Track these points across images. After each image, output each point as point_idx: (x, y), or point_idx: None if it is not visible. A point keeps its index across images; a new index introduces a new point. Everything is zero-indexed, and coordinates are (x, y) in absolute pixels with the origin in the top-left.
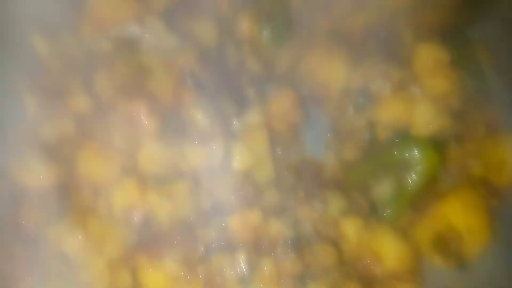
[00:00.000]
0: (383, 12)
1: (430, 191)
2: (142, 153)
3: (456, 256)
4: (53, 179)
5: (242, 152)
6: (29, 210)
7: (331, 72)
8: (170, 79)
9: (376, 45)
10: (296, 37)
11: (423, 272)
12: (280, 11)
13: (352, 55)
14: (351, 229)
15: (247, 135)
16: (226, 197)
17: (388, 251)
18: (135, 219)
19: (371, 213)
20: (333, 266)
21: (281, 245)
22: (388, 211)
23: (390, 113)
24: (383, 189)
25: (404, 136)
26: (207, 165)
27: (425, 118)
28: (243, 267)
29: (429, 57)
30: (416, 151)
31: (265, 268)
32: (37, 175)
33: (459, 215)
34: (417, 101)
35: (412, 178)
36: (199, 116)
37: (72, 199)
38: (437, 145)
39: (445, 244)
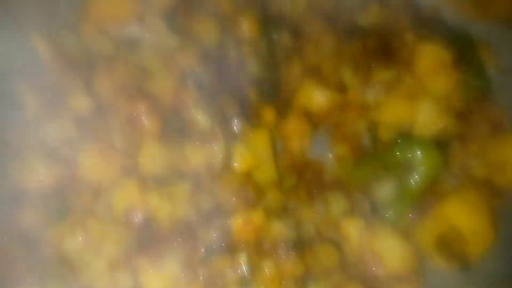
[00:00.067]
0: (385, 11)
1: (432, 192)
2: (143, 153)
3: (458, 257)
4: (53, 179)
5: (243, 153)
6: (29, 211)
7: None
8: (171, 79)
9: (378, 44)
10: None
11: (425, 273)
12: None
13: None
14: (353, 230)
15: (248, 135)
16: (227, 198)
17: (390, 252)
18: (136, 220)
19: (373, 214)
20: (334, 268)
21: (283, 246)
22: (390, 212)
23: (392, 113)
24: (385, 190)
25: (406, 137)
26: (207, 165)
27: (427, 118)
28: (244, 268)
29: (431, 56)
30: (418, 152)
31: (266, 270)
32: (37, 175)
33: (461, 216)
34: (420, 101)
35: (415, 179)
36: (200, 117)
37: (72, 200)
38: (439, 145)
39: (448, 245)
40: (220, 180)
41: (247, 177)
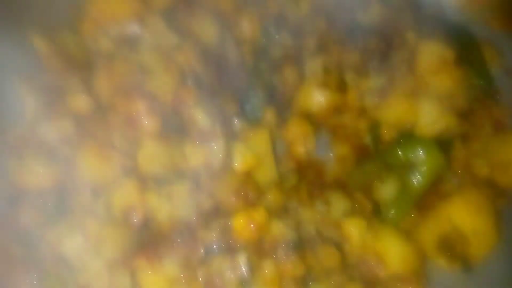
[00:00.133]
0: (387, 10)
1: (434, 191)
2: (142, 153)
3: (461, 258)
4: (52, 179)
5: (243, 152)
6: (28, 211)
7: None
8: (170, 78)
9: (379, 43)
10: None
11: (428, 274)
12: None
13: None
14: (354, 231)
15: (248, 135)
16: (227, 198)
17: (392, 253)
18: (135, 220)
19: (374, 214)
20: (336, 268)
21: (283, 247)
22: (392, 212)
23: (394, 113)
24: (387, 190)
25: (408, 136)
26: (207, 165)
27: (429, 117)
28: (244, 269)
29: (433, 55)
30: (420, 151)
31: (266, 270)
32: (36, 175)
33: (464, 216)
34: (422, 101)
35: (417, 179)
36: (200, 116)
37: (71, 199)
38: (442, 145)
39: (450, 245)
40: (220, 179)
41: (247, 177)
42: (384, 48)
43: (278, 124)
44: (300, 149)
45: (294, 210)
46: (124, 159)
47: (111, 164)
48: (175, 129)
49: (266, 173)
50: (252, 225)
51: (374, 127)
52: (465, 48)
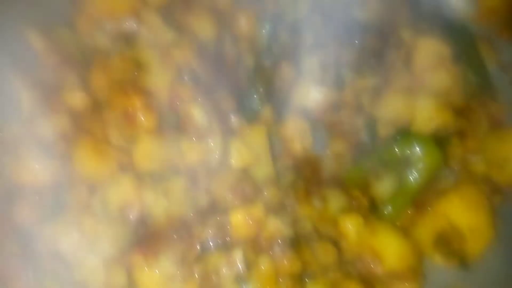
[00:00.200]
0: (384, 6)
1: (431, 188)
2: (138, 149)
3: (457, 255)
4: (48, 176)
5: (240, 149)
6: (24, 207)
7: None
8: (167, 75)
9: (375, 39)
10: None
11: (424, 271)
12: None
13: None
14: (351, 227)
15: (245, 131)
16: (224, 195)
17: (389, 249)
18: (131, 216)
19: (371, 211)
20: (332, 265)
21: (279, 243)
22: (389, 209)
23: (391, 109)
24: (383, 187)
25: (405, 133)
26: (204, 161)
27: (426, 114)
28: (240, 265)
29: (430, 51)
30: (417, 148)
31: (262, 267)
32: (32, 171)
33: (461, 213)
34: (418, 97)
35: (413, 175)
36: (196, 112)
37: (67, 196)
38: (438, 141)
39: (447, 242)
40: (217, 176)
41: (244, 173)
42: (381, 45)
43: (275, 121)
44: (297, 146)
45: (291, 207)
46: (120, 155)
47: (107, 161)
48: (171, 125)
49: (263, 170)
50: (249, 221)
51: (371, 124)
52: (462, 45)
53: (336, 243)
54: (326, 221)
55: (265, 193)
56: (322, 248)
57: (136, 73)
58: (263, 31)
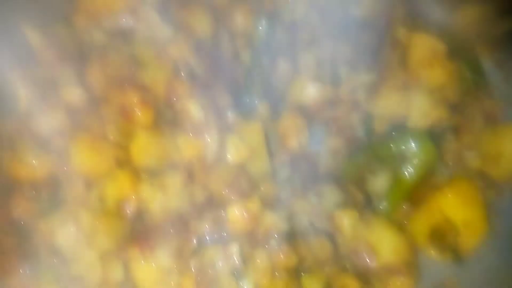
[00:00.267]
0: (378, 2)
1: (426, 183)
2: (135, 144)
3: (452, 250)
4: (45, 171)
5: (236, 144)
6: (21, 202)
7: None
8: (164, 71)
9: (371, 36)
10: None
11: (419, 265)
12: None
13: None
14: (346, 222)
15: (241, 127)
16: (220, 190)
17: (384, 244)
18: (128, 211)
19: (366, 206)
20: (328, 259)
21: (275, 238)
22: (384, 204)
23: (386, 106)
24: (379, 182)
25: (400, 129)
26: (200, 157)
27: (421, 110)
28: (236, 259)
29: (425, 48)
30: (412, 144)
31: (258, 261)
32: (29, 167)
33: (455, 208)
34: (413, 93)
35: (409, 171)
36: (193, 108)
37: (65, 191)
38: (433, 137)
39: (441, 237)
40: (213, 171)
41: (240, 169)
42: (377, 41)
43: (271, 117)
44: (293, 142)
45: (287, 202)
46: (117, 150)
47: (104, 156)
48: (168, 121)
49: (259, 165)
50: (246, 216)
51: (367, 120)
52: (457, 41)
53: (331, 238)
54: (322, 216)
55: (262, 188)
56: (317, 243)
57: (133, 69)
58: (260, 27)
